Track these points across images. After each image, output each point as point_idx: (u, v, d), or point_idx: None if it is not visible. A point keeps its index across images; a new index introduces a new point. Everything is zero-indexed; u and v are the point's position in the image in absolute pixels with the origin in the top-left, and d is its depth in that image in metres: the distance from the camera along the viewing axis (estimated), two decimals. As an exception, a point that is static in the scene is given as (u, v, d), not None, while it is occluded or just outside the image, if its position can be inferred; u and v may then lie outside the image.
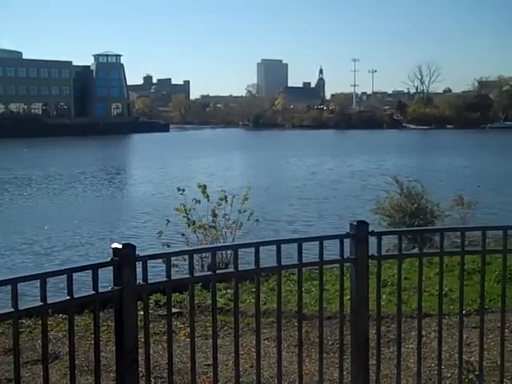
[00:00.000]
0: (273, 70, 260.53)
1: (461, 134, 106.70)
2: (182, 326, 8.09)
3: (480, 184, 35.24)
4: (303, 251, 4.40)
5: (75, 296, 3.61)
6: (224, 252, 10.38)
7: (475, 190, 27.94)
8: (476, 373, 5.16)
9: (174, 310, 8.64)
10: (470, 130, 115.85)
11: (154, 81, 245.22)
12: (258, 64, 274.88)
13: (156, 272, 4.44)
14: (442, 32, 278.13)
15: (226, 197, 13.13)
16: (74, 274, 3.62)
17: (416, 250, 4.77)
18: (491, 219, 22.80)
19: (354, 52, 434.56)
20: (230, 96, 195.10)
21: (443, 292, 8.81)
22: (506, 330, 7.48)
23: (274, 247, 4.29)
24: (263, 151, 71.93)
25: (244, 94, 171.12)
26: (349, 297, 4.61)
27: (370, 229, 4.48)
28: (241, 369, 4.67)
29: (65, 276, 3.60)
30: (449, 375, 5.93)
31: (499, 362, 4.94)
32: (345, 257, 4.49)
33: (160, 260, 4.19)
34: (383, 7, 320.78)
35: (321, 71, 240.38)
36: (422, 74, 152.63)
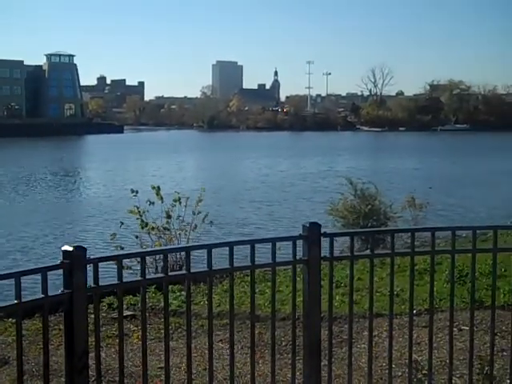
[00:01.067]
0: (228, 72, 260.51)
1: (413, 136, 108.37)
2: (136, 328, 8.01)
3: (431, 186, 35.92)
4: (257, 253, 4.41)
5: (23, 300, 3.54)
6: (178, 254, 10.32)
7: (427, 192, 28.45)
8: (425, 371, 5.24)
9: (127, 313, 8.56)
10: (421, 133, 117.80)
11: (108, 82, 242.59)
12: (212, 65, 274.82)
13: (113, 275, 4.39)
14: (395, 36, 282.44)
15: (179, 198, 13.07)
16: (23, 278, 3.55)
17: (368, 251, 4.83)
18: (442, 220, 23.28)
19: (309, 54, 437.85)
20: (185, 97, 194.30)
21: (395, 292, 8.96)
22: (455, 329, 7.63)
23: (227, 249, 4.29)
24: (216, 153, 71.75)
25: (199, 96, 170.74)
26: (301, 298, 4.63)
27: (323, 230, 4.52)
28: (194, 371, 4.65)
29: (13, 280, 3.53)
30: (399, 374, 6.01)
31: (448, 361, 5.03)
32: (297, 258, 4.51)
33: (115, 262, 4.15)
34: (338, 10, 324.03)
35: (276, 73, 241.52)
36: (375, 76, 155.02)
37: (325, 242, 4.56)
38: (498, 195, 33.41)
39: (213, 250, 4.24)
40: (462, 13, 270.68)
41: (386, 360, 5.75)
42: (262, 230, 23.36)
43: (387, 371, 5.05)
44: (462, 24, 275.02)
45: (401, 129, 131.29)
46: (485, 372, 5.15)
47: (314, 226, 4.41)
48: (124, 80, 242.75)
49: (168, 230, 12.89)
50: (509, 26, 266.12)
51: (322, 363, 4.69)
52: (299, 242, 4.50)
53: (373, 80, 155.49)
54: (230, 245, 4.28)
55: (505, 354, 6.16)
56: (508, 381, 5.23)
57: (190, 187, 25.45)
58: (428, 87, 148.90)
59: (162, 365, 6.03)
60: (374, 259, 4.80)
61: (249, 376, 6.36)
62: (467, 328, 7.03)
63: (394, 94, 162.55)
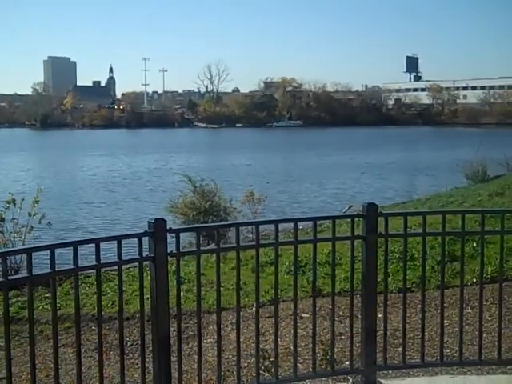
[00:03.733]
0: (60, 68, 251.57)
1: (249, 133, 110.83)
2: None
3: (268, 180, 37.02)
4: (101, 252, 4.31)
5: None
6: (13, 257, 9.85)
7: (265, 186, 29.28)
8: (272, 359, 5.40)
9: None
10: (257, 129, 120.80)
11: None
12: (44, 61, 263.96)
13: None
14: (231, 33, 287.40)
15: (14, 200, 12.48)
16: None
17: (213, 246, 4.87)
18: (281, 213, 24.06)
19: (144, 51, 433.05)
20: (16, 94, 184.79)
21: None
22: (297, 317, 7.92)
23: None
24: (47, 152, 68.59)
25: (30, 93, 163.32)
26: (148, 295, 4.59)
27: (168, 226, 4.50)
28: (36, 379, 4.45)
29: None
30: (246, 364, 6.14)
31: (292, 348, 5.21)
32: (144, 255, 4.46)
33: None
34: (172, 6, 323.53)
35: (111, 70, 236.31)
36: (211, 73, 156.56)
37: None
38: (326, 188, 35.19)
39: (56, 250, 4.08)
40: (295, 14, 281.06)
41: (233, 352, 5.86)
42: (104, 231, 22.76)
43: (234, 363, 5.14)
44: (294, 23, 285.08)
45: (238, 125, 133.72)
46: (327, 357, 5.39)
47: (160, 222, 4.38)
48: None
49: (1, 232, 12.28)
50: (335, 27, 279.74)
51: (171, 359, 4.68)
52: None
53: (209, 77, 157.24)
54: (75, 244, 4.15)
55: (343, 337, 6.48)
56: (347, 363, 5.51)
57: (15, 189, 23.91)
58: (262, 84, 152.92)
59: (1, 375, 5.74)
60: (219, 253, 4.84)
61: (94, 379, 6.22)
62: (307, 315, 7.33)
63: (230, 90, 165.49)
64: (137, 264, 4.54)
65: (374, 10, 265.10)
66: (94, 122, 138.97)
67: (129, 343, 7.43)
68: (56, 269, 4.10)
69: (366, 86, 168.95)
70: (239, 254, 4.85)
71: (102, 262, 4.31)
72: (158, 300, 4.41)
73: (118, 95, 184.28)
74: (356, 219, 4.98)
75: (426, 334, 6.45)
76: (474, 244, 9.94)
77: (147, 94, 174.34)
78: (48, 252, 4.07)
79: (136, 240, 4.44)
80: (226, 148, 73.35)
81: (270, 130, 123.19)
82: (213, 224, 13.04)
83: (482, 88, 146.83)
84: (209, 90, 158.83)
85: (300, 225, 5.36)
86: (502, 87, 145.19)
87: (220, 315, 4.97)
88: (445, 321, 7.12)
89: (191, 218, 17.42)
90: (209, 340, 7.18)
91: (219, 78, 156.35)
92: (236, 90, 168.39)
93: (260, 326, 5.13)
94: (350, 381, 5.32)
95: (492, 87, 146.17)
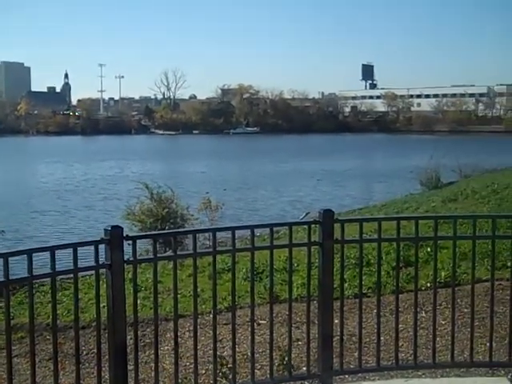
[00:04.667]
0: (14, 74, 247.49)
1: (206, 140, 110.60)
2: None
3: (225, 187, 37.02)
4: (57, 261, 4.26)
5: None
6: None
7: (221, 194, 29.27)
8: (229, 366, 5.40)
9: None
10: (214, 136, 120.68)
11: None
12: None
13: None
14: (188, 38, 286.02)
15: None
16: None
17: (170, 253, 4.86)
18: (238, 220, 24.08)
19: (101, 57, 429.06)
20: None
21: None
22: (255, 324, 7.94)
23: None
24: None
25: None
26: (104, 304, 4.55)
27: (125, 233, 4.48)
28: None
29: None
30: (203, 371, 6.13)
31: (249, 354, 5.22)
32: (100, 263, 4.42)
33: None
34: (128, 12, 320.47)
35: (66, 76, 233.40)
36: (168, 80, 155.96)
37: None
38: (283, 195, 35.35)
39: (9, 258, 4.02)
40: (251, 20, 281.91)
41: (191, 359, 5.85)
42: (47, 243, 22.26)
43: (192, 370, 5.12)
44: (251, 30, 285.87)
45: (195, 132, 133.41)
46: (285, 362, 5.42)
47: (116, 229, 4.35)
48: None
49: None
50: (292, 34, 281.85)
51: (128, 368, 4.65)
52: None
53: (166, 83, 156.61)
54: (29, 252, 4.09)
55: (300, 343, 6.51)
56: (304, 368, 5.54)
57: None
58: (219, 91, 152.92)
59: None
60: (176, 260, 4.82)
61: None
62: (265, 322, 7.35)
63: (187, 97, 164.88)
64: (93, 272, 4.50)
65: (330, 18, 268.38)
66: (48, 128, 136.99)
67: (85, 352, 7.36)
68: (10, 277, 4.03)
69: (323, 93, 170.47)
70: (196, 261, 4.85)
71: (57, 270, 4.26)
72: (115, 308, 4.37)
73: (74, 101, 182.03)
74: (313, 226, 5.02)
75: (382, 338, 6.53)
76: (428, 249, 10.10)
77: (103, 100, 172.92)
78: (1, 261, 4.01)
79: (92, 248, 4.40)
80: (182, 155, 72.89)
81: (227, 136, 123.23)
82: (170, 231, 12.98)
83: (436, 96, 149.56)
84: (166, 96, 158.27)
85: (257, 231, 5.39)
86: (454, 95, 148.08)
87: (177, 322, 4.95)
88: (400, 325, 7.22)
89: (148, 226, 17.32)
90: (166, 347, 7.15)
91: (176, 85, 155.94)
92: (193, 97, 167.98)
93: (217, 332, 5.14)
94: (307, 386, 5.36)
95: (445, 95, 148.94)
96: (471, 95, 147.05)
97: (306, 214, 21.84)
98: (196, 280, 4.87)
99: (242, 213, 27.98)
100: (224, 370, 5.56)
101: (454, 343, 5.34)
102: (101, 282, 4.55)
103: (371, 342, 6.34)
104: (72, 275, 4.44)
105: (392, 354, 5.55)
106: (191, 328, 7.86)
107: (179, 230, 14.05)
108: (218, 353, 5.10)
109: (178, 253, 5.02)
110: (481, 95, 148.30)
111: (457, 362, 5.39)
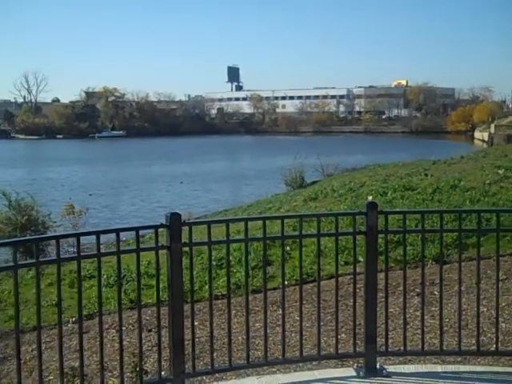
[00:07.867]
0: None
1: (69, 144, 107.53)
2: None
3: (91, 193, 36.24)
4: None
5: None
6: None
7: (85, 201, 28.58)
8: (84, 376, 5.31)
9: None
10: (79, 140, 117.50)
11: None
12: None
13: None
14: (50, 43, 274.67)
15: None
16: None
17: (32, 260, 4.65)
18: (103, 226, 23.65)
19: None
20: None
21: (49, 303, 8.91)
22: (113, 331, 7.89)
23: None
24: None
25: None
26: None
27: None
28: None
29: None
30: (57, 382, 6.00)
31: (106, 363, 5.17)
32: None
33: None
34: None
35: None
36: (28, 83, 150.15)
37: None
38: (149, 200, 35.07)
39: None
40: (114, 24, 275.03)
41: (46, 372, 5.71)
42: None
43: (47, 381, 5.01)
44: (114, 33, 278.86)
45: (58, 136, 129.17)
46: (137, 369, 5.39)
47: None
48: None
49: None
50: (155, 37, 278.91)
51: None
52: None
53: (26, 86, 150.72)
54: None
55: (155, 348, 6.51)
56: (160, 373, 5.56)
57: None
58: (84, 94, 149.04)
59: None
60: (39, 267, 4.67)
61: None
62: (124, 328, 7.31)
63: (49, 100, 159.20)
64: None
65: (196, 20, 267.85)
66: None
67: None
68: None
69: (189, 95, 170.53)
70: (60, 268, 4.69)
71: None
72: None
73: None
74: (160, 229, 5.04)
75: (240, 338, 6.71)
76: (288, 248, 10.42)
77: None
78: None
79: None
80: (44, 161, 69.97)
81: (93, 141, 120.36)
82: (30, 237, 12.55)
83: (299, 98, 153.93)
84: (26, 100, 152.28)
85: (123, 236, 5.40)
86: (317, 97, 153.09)
87: (40, 333, 4.78)
88: (257, 324, 7.45)
89: (7, 234, 16.73)
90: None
91: (37, 88, 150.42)
92: (56, 100, 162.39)
93: (74, 343, 5.06)
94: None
95: (308, 97, 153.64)
96: (332, 97, 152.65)
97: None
98: (60, 287, 4.70)
99: (108, 219, 27.46)
100: (76, 381, 5.43)
101: (302, 338, 5.52)
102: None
103: (226, 343, 6.46)
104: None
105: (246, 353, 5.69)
106: (47, 339, 7.69)
107: (40, 236, 13.61)
108: (71, 364, 5.01)
109: (41, 259, 4.84)
110: (341, 97, 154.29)
111: (305, 356, 5.59)
